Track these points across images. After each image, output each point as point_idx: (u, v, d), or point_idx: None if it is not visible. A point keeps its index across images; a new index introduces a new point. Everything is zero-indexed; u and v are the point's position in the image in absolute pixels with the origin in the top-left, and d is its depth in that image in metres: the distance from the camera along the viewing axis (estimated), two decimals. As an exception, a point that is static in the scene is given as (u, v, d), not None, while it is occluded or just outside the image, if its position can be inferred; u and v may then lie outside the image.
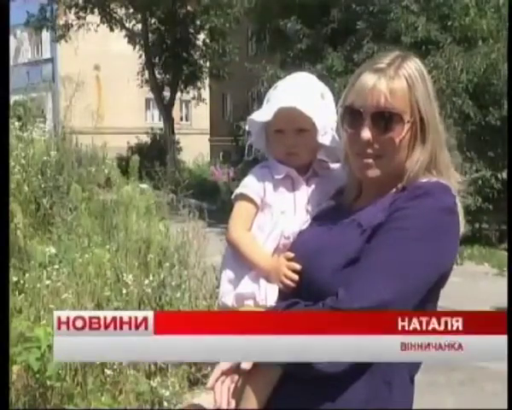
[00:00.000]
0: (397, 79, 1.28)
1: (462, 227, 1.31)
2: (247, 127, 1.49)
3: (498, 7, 10.14)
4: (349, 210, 1.36)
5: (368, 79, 1.29)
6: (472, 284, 8.38)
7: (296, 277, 1.32)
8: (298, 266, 1.32)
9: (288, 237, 1.39)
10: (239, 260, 1.40)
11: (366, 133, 1.28)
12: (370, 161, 1.30)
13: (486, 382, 4.45)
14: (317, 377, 1.21)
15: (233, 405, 1.29)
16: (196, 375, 3.95)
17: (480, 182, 10.08)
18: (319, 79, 1.51)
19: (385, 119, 1.27)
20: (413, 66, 1.31)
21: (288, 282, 1.32)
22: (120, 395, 3.30)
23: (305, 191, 1.44)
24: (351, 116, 1.31)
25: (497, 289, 7.22)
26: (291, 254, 1.34)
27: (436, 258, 1.24)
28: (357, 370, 1.23)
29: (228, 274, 1.42)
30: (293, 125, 1.42)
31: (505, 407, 1.56)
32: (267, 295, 1.34)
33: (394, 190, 1.33)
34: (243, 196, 1.44)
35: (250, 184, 1.44)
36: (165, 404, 3.40)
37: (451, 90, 9.70)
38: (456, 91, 9.73)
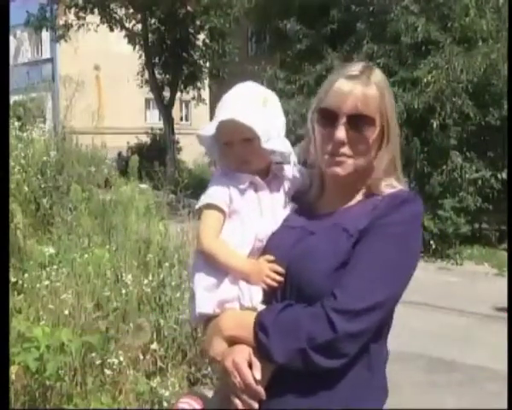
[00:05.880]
0: (370, 86, 1.39)
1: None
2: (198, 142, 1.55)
3: (498, 7, 10.12)
4: (315, 210, 1.46)
5: (344, 84, 1.39)
6: (472, 284, 8.38)
7: (280, 278, 1.37)
8: (281, 269, 1.38)
9: (262, 239, 1.45)
10: (213, 268, 1.42)
11: (341, 133, 1.37)
12: (342, 159, 1.39)
13: (486, 382, 4.45)
14: (314, 373, 1.28)
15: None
16: (196, 375, 3.94)
17: (479, 182, 10.08)
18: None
19: (359, 121, 1.38)
20: (379, 76, 1.43)
21: (271, 282, 1.37)
22: (120, 395, 3.29)
23: (268, 194, 1.50)
24: (325, 118, 1.41)
25: (496, 290, 7.23)
26: (271, 257, 1.40)
27: (413, 260, 1.39)
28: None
29: (204, 283, 1.43)
30: (239, 136, 1.47)
31: (505, 407, 1.56)
32: (252, 296, 1.38)
33: (367, 194, 1.43)
34: (210, 206, 1.48)
35: (215, 194, 1.48)
36: (165, 404, 3.40)
37: (451, 90, 9.68)
38: (456, 91, 9.71)
